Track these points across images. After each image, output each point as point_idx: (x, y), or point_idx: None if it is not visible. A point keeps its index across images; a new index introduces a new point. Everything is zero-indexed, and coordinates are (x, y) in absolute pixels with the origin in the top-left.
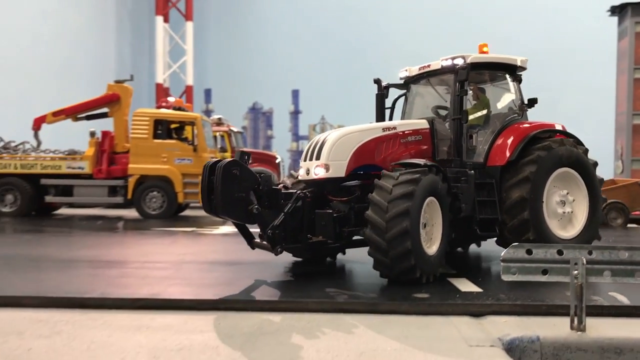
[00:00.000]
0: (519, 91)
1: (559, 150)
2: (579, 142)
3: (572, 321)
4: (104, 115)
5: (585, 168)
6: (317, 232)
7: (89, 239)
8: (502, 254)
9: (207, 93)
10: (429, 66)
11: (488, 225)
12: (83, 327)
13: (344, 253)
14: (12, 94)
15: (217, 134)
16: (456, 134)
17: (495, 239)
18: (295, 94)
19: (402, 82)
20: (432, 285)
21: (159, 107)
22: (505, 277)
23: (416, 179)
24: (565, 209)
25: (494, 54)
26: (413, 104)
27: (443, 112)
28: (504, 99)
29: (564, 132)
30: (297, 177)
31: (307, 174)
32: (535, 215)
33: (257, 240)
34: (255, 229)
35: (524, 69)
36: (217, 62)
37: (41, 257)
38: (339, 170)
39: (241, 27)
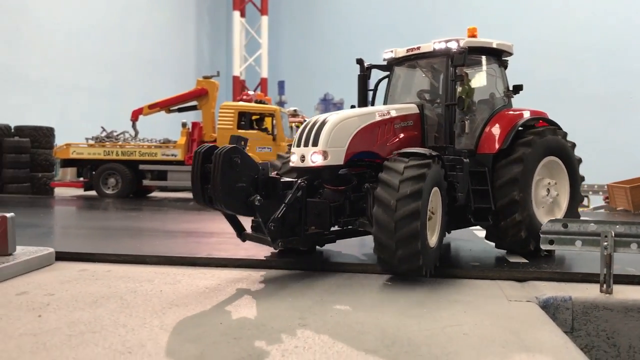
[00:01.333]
0: (505, 77)
1: (545, 140)
2: (559, 127)
3: (601, 285)
4: (193, 108)
5: (566, 153)
6: (310, 222)
7: (185, 216)
8: (542, 227)
9: (281, 85)
10: (418, 48)
11: (481, 214)
12: (196, 278)
13: (334, 242)
14: (104, 87)
15: (293, 124)
16: (449, 120)
17: (485, 234)
18: None
19: (385, 63)
20: (485, 256)
21: (240, 100)
22: (544, 247)
23: (424, 173)
24: (551, 195)
25: (486, 39)
26: (397, 87)
27: (428, 97)
28: (490, 85)
29: (546, 120)
30: (282, 164)
31: (302, 161)
32: (524, 199)
33: (249, 231)
34: (244, 220)
35: (510, 54)
36: (290, 55)
37: (149, 229)
38: (338, 157)
39: (314, 20)
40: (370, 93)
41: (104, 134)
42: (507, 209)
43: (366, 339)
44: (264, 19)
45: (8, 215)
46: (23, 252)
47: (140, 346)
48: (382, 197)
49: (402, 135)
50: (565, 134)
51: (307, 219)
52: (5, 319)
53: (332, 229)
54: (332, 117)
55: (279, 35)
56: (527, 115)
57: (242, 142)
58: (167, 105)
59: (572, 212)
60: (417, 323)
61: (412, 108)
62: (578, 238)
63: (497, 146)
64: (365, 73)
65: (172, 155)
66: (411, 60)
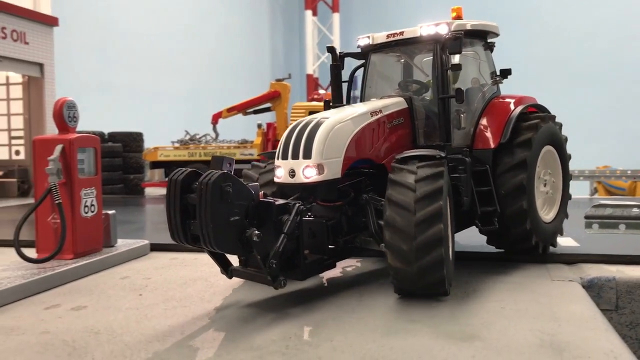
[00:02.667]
0: (492, 60)
1: (546, 128)
2: (552, 115)
3: None
4: (267, 110)
5: (560, 144)
6: (305, 246)
7: None
8: (586, 211)
9: (354, 80)
10: (401, 33)
11: (487, 219)
12: None
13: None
14: (185, 92)
15: None
16: (445, 115)
17: (487, 239)
18: None
19: (359, 50)
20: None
21: (311, 99)
22: (588, 231)
23: (441, 171)
24: (547, 189)
25: (476, 20)
26: (373, 77)
27: (413, 88)
28: (475, 70)
29: (537, 106)
30: (259, 175)
31: (292, 176)
32: (530, 203)
33: (238, 266)
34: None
35: (497, 35)
36: None
37: None
38: (335, 170)
39: (385, 15)
40: (345, 86)
41: (188, 137)
42: (512, 196)
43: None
44: (336, 17)
45: (110, 212)
46: (123, 244)
47: (222, 317)
48: (397, 199)
49: (394, 136)
50: (560, 124)
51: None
52: (114, 297)
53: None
54: (324, 121)
55: (351, 32)
56: (523, 102)
57: (229, 164)
58: (243, 108)
59: (563, 209)
60: (460, 299)
61: (401, 103)
62: (622, 222)
63: (496, 140)
64: (337, 63)
65: (249, 154)
66: (391, 46)
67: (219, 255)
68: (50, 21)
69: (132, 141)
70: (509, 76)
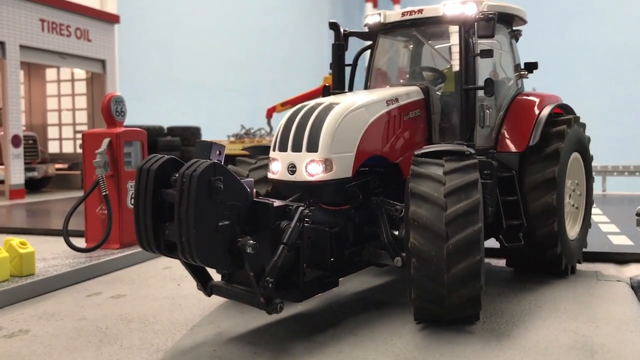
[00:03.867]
0: (516, 51)
1: (573, 133)
2: (577, 117)
3: None
4: None
5: (585, 148)
6: (303, 259)
7: None
8: (637, 208)
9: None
10: (420, 11)
11: (511, 234)
12: None
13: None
14: (244, 87)
15: None
16: (468, 109)
17: (507, 260)
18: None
19: (366, 30)
20: (589, 235)
21: None
22: (639, 229)
23: (474, 164)
24: (572, 202)
25: (502, 2)
26: (381, 62)
27: (431, 77)
28: (497, 62)
29: (562, 106)
30: (248, 172)
31: (292, 172)
32: (561, 225)
33: (220, 282)
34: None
35: (524, 22)
36: None
37: None
38: (346, 167)
39: None
40: (348, 73)
41: (243, 131)
42: (542, 217)
43: None
44: (397, 8)
45: None
46: None
47: (252, 308)
48: (422, 192)
49: (410, 130)
50: (584, 125)
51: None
52: (154, 286)
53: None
54: (334, 107)
55: None
56: (549, 101)
57: (218, 152)
58: (297, 102)
59: (587, 219)
60: (495, 297)
61: (417, 92)
62: None
63: (524, 143)
64: (341, 42)
65: None
66: (406, 27)
67: (197, 267)
68: (111, 19)
69: (190, 135)
70: (534, 70)
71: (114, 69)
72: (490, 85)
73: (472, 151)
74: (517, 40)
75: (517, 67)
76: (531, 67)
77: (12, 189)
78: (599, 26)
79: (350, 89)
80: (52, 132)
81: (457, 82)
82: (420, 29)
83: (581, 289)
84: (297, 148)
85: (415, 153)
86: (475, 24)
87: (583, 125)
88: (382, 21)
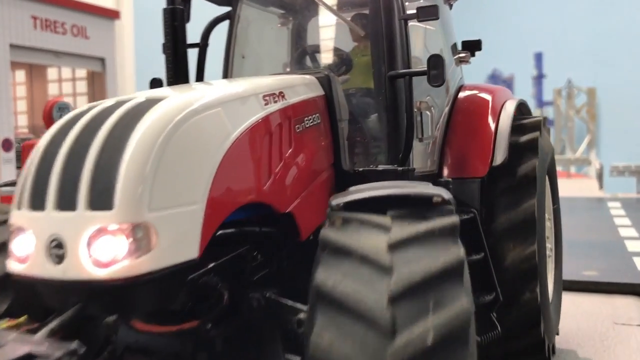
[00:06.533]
0: (451, 26)
1: (545, 143)
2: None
3: None
4: None
5: (553, 165)
6: None
7: None
8: None
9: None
10: None
11: (482, 316)
12: None
13: None
14: None
15: None
16: (398, 110)
17: None
18: (538, 57)
19: None
20: (608, 256)
21: None
22: None
23: (453, 227)
24: (549, 245)
25: None
26: (249, 39)
27: (331, 63)
28: (419, 42)
29: (519, 104)
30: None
31: (58, 258)
32: (543, 289)
33: None
34: None
35: None
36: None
37: None
38: (184, 240)
39: None
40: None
41: None
42: (519, 282)
43: None
44: None
45: None
46: None
47: None
48: (343, 296)
49: (307, 150)
50: (548, 130)
51: None
52: None
53: None
54: (151, 109)
55: None
56: (503, 96)
57: None
58: None
59: (560, 268)
60: None
61: (313, 85)
62: None
63: (484, 163)
64: (175, 6)
65: None
66: None
67: None
68: (111, 15)
69: None
70: (479, 49)
71: (114, 67)
72: (439, 67)
73: (446, 196)
74: (451, 7)
75: (454, 49)
76: (473, 47)
77: (3, 195)
78: None
79: (200, 79)
80: None
81: (377, 67)
82: None
83: (591, 341)
84: (66, 202)
85: (333, 202)
86: None
87: (547, 130)
88: None
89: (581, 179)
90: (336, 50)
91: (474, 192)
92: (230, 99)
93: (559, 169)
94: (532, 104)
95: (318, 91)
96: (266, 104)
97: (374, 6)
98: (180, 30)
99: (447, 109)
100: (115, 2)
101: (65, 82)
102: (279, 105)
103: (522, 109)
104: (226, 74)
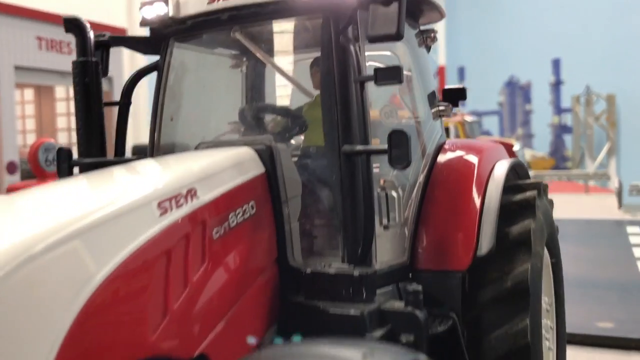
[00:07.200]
0: (428, 69)
1: (544, 216)
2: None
3: None
4: None
5: (556, 241)
6: None
7: None
8: None
9: (460, 71)
10: None
11: None
12: None
13: None
14: None
15: (451, 124)
16: (354, 193)
17: None
18: (556, 63)
19: (145, 32)
20: (626, 301)
21: None
22: None
23: None
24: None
25: None
26: (179, 93)
27: (280, 124)
28: (387, 90)
29: (515, 164)
30: None
31: None
32: None
33: None
34: None
35: (441, 16)
36: (469, 38)
37: None
38: None
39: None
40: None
41: None
42: None
43: None
44: None
45: None
46: None
47: None
48: None
49: (231, 258)
50: (551, 202)
51: None
52: None
53: None
54: None
55: (457, 20)
56: (493, 156)
57: None
58: None
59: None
60: None
61: (249, 162)
62: None
63: (468, 254)
64: (88, 59)
65: None
66: (221, 24)
67: None
68: (117, 33)
69: None
70: (463, 100)
71: (122, 86)
72: (403, 145)
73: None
74: (429, 49)
75: (432, 98)
76: (456, 96)
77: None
78: None
79: (119, 151)
80: None
81: (329, 139)
82: (250, 28)
83: None
84: None
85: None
86: (358, 12)
87: (551, 203)
88: (173, 15)
89: (600, 194)
90: (283, 110)
91: (454, 289)
92: (98, 222)
93: (577, 182)
94: (549, 111)
95: (255, 170)
96: (163, 214)
97: (325, 63)
98: (94, 87)
99: (422, 178)
100: (126, 20)
101: (73, 101)
102: (186, 209)
103: (518, 172)
104: (152, 141)
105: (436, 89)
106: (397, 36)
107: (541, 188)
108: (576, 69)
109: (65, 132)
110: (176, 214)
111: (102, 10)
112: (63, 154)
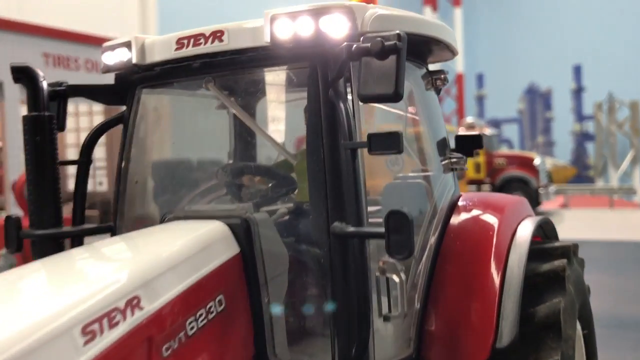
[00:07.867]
0: (439, 114)
1: (570, 288)
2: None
3: None
4: None
5: (589, 314)
6: None
7: None
8: None
9: (479, 78)
10: (216, 37)
11: None
12: None
13: None
14: None
15: None
16: (347, 285)
17: None
18: (577, 69)
19: (109, 79)
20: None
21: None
22: None
23: None
24: None
25: (401, 10)
26: (153, 147)
27: (262, 192)
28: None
29: (544, 223)
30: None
31: None
32: None
33: None
34: None
35: (453, 54)
36: (489, 45)
37: None
38: None
39: (513, 5)
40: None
41: None
42: None
43: None
44: (457, 11)
45: None
46: None
47: None
48: None
49: None
50: (582, 262)
51: None
52: None
53: None
54: None
55: (475, 26)
56: (516, 214)
57: None
58: None
59: None
60: None
61: (220, 242)
62: None
63: (487, 342)
64: (40, 114)
65: None
66: (192, 72)
67: None
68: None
69: None
70: (479, 149)
71: None
72: (405, 231)
73: None
74: (439, 92)
75: (442, 147)
76: (471, 144)
77: None
78: None
79: (77, 219)
80: (71, 168)
81: (316, 215)
82: (227, 77)
83: None
84: None
85: None
86: (351, 63)
87: (581, 263)
88: (136, 61)
89: (625, 209)
90: (271, 170)
91: None
92: None
93: (601, 196)
94: (571, 119)
95: (227, 252)
96: (89, 341)
97: (311, 122)
98: (47, 145)
99: (432, 243)
100: (141, 34)
101: (82, 117)
102: (123, 328)
103: (545, 231)
104: (116, 211)
105: (447, 135)
106: (395, 96)
107: (571, 252)
108: (598, 75)
109: (74, 149)
110: (108, 338)
111: (115, 23)
112: (11, 223)
